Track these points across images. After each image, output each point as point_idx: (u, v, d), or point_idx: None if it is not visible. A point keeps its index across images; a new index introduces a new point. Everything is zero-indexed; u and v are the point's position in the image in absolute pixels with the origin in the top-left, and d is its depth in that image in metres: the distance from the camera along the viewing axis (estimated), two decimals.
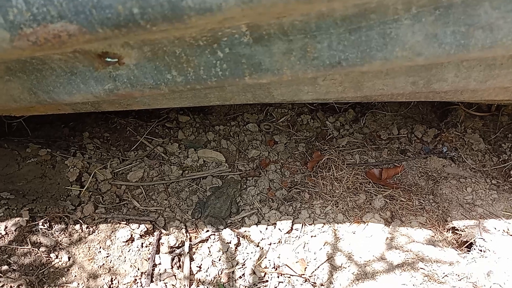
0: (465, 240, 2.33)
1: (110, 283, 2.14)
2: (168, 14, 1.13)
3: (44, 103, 1.74)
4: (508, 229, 2.32)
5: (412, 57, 1.40)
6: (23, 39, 1.20)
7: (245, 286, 2.20)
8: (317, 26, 1.36)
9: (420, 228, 2.45)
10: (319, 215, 2.57)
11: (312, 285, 2.16)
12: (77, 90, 1.66)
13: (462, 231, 2.36)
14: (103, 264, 2.22)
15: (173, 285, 2.18)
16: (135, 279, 2.18)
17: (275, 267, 2.28)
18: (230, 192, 2.66)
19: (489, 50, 1.36)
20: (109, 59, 1.48)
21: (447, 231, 2.43)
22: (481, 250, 2.22)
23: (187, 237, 2.45)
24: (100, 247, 2.29)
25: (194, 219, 2.58)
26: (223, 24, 1.31)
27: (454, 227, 2.41)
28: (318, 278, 2.18)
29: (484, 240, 2.25)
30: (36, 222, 2.25)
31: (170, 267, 2.27)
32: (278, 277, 2.23)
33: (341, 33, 1.37)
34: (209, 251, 2.37)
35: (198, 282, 2.22)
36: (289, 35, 1.40)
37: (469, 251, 2.29)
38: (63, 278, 2.11)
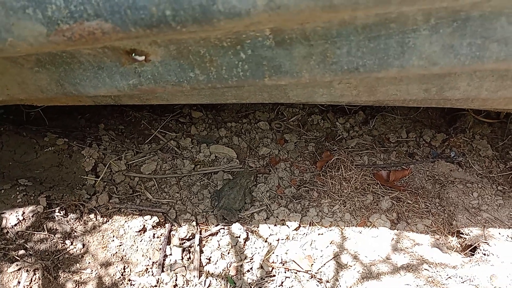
0: (469, 244, 2.38)
1: (122, 271, 2.21)
2: (198, 17, 1.19)
3: (70, 95, 1.81)
4: None
5: (428, 66, 1.45)
6: (59, 34, 1.26)
7: (253, 280, 2.26)
8: (338, 33, 1.42)
9: (426, 230, 2.50)
10: (327, 213, 2.63)
11: (318, 281, 2.22)
12: (103, 84, 1.72)
13: (467, 235, 2.41)
14: (116, 252, 2.29)
15: (183, 275, 2.25)
16: (147, 268, 2.25)
17: (283, 262, 2.35)
18: (244, 183, 2.73)
19: (503, 62, 1.41)
20: (136, 57, 1.54)
21: (452, 235, 2.48)
22: (484, 254, 2.27)
23: (197, 230, 2.52)
24: (114, 236, 2.36)
25: (209, 210, 2.66)
26: (249, 28, 1.36)
27: (459, 230, 2.47)
28: (324, 274, 2.24)
29: (488, 244, 2.30)
30: (53, 209, 2.32)
31: (181, 258, 2.34)
32: (285, 272, 2.29)
33: (361, 40, 1.43)
34: (219, 245, 2.44)
35: (208, 274, 2.29)
36: (310, 40, 1.45)
37: (473, 254, 2.34)
38: (77, 264, 2.18)
